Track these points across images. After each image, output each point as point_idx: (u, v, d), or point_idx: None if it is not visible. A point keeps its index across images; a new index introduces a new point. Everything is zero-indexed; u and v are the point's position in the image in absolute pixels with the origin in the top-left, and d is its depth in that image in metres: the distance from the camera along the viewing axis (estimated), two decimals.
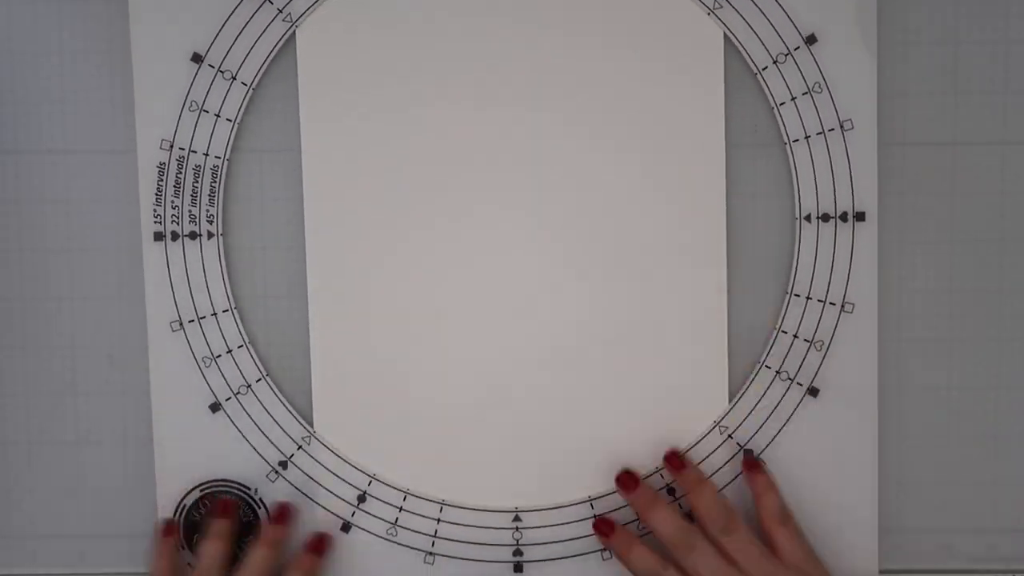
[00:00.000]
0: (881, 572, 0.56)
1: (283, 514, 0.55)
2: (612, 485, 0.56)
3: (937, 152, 0.55)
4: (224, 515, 0.55)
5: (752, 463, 0.55)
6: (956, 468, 0.56)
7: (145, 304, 0.55)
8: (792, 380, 0.55)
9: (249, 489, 0.56)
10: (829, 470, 0.55)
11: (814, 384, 0.55)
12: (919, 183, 0.55)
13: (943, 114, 0.55)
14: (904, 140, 0.55)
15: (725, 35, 0.54)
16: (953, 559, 0.57)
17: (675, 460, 0.55)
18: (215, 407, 0.56)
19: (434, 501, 0.56)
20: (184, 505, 0.56)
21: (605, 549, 0.56)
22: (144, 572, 0.57)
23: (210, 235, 0.55)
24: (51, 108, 0.55)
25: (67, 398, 0.57)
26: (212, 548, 0.54)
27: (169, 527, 0.56)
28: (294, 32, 0.54)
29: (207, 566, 0.54)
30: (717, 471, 0.56)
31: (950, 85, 0.55)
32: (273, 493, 0.56)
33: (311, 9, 0.54)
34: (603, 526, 0.55)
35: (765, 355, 0.55)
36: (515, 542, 0.56)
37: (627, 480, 0.55)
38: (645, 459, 0.56)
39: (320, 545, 0.55)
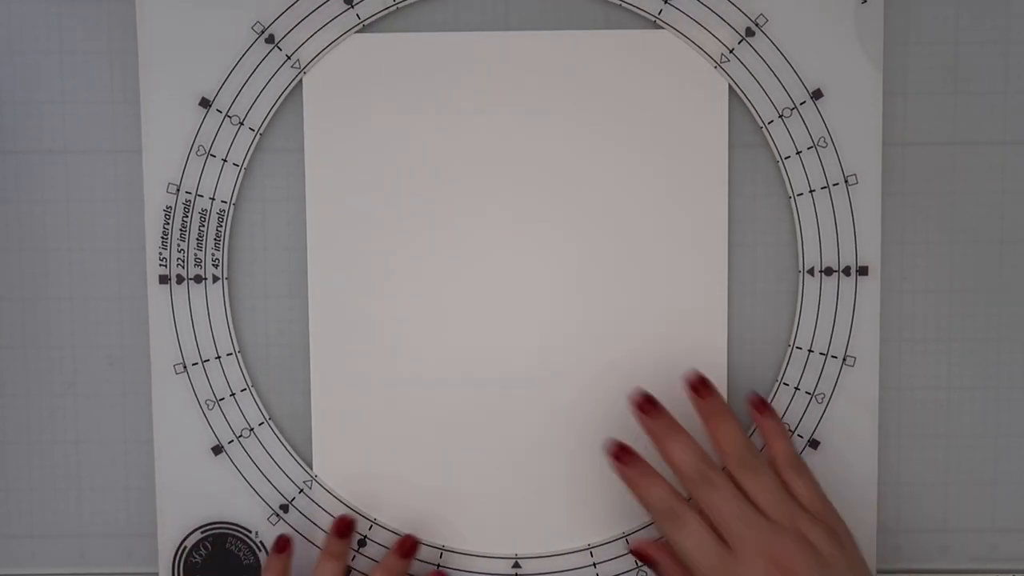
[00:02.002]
0: (880, 572, 0.56)
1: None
2: (612, 532, 0.56)
3: (937, 152, 0.55)
4: (341, 535, 0.55)
5: (762, 406, 0.53)
6: (956, 468, 0.56)
7: (150, 342, 0.56)
8: (793, 432, 0.55)
9: (250, 532, 0.56)
10: None
11: (815, 437, 0.55)
12: (920, 186, 0.55)
13: (943, 114, 0.55)
14: (904, 141, 0.55)
15: (731, 88, 0.54)
16: (953, 559, 0.57)
17: (700, 386, 0.52)
18: (217, 450, 0.56)
19: (434, 546, 0.56)
20: (184, 547, 0.56)
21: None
22: (143, 572, 0.57)
23: (215, 279, 0.55)
24: (51, 108, 0.55)
25: (67, 398, 0.57)
26: (328, 568, 0.54)
27: (283, 542, 0.55)
28: (302, 78, 0.55)
29: None
30: None
31: (950, 85, 0.55)
32: (274, 537, 0.56)
33: (320, 55, 0.54)
34: (620, 453, 0.52)
35: None
36: None
37: (646, 404, 0.52)
38: (644, 510, 0.55)
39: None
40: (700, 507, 0.50)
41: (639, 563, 0.55)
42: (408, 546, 0.55)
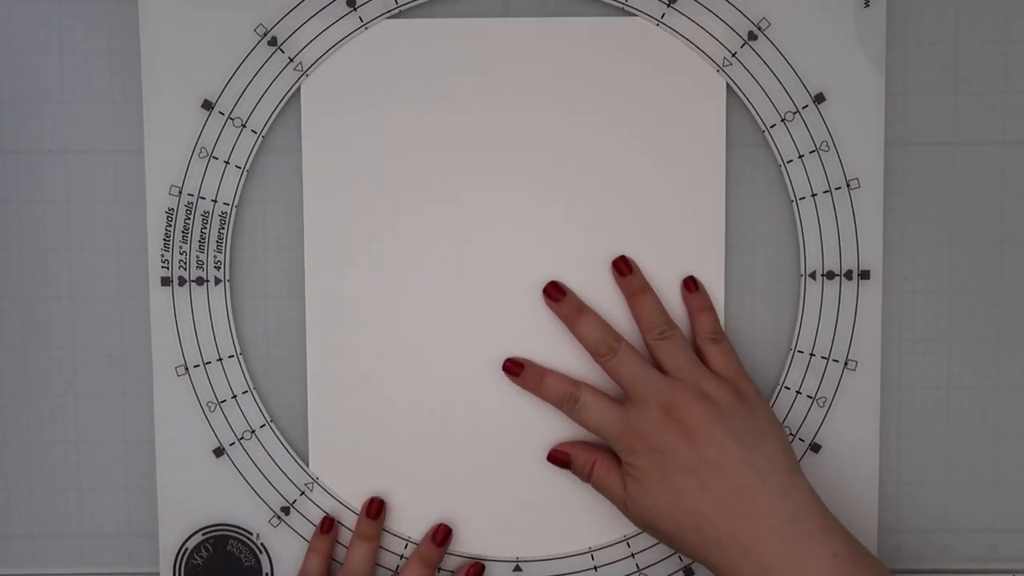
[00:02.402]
0: None
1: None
2: (613, 536, 0.56)
3: (937, 152, 0.55)
4: (372, 516, 0.55)
5: (692, 284, 0.54)
6: (956, 468, 0.56)
7: (151, 344, 0.55)
8: (794, 436, 0.56)
9: (251, 534, 0.56)
10: None
11: (816, 441, 0.56)
12: (920, 187, 0.55)
13: (943, 114, 0.55)
14: (904, 141, 0.55)
15: (734, 91, 0.54)
16: (953, 559, 0.57)
17: (623, 265, 0.54)
18: (219, 452, 0.56)
19: None
20: (186, 549, 0.56)
21: None
22: (143, 572, 0.57)
23: (217, 281, 0.55)
24: (51, 108, 0.55)
25: (67, 398, 0.57)
26: (361, 549, 0.55)
27: (328, 522, 0.55)
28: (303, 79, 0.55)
29: (356, 566, 0.54)
30: None
31: (950, 85, 0.55)
32: (275, 539, 0.56)
33: (322, 59, 0.54)
34: (512, 366, 0.54)
35: None
36: None
37: (554, 291, 0.54)
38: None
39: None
40: (610, 376, 0.53)
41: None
42: (442, 535, 0.55)
